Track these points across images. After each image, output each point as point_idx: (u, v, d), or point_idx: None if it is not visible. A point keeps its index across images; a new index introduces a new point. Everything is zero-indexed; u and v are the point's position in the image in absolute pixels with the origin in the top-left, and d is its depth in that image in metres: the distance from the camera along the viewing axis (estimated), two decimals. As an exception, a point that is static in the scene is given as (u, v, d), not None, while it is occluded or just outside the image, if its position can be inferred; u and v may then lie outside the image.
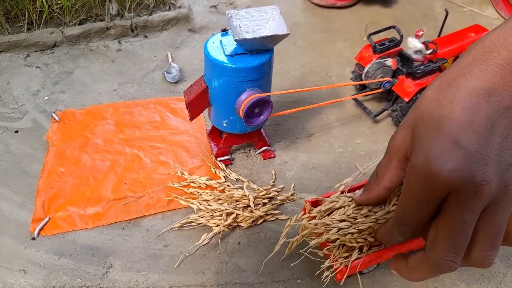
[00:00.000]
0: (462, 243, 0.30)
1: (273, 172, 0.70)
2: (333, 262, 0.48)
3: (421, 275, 0.34)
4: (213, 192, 0.64)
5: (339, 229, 0.46)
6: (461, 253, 0.30)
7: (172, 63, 0.90)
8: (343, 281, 0.50)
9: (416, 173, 0.30)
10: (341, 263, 0.48)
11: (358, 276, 0.54)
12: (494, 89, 0.29)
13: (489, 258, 0.30)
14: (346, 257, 0.49)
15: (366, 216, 0.44)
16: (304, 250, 0.49)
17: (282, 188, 0.68)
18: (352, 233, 0.46)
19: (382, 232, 0.39)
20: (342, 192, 0.48)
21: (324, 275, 0.51)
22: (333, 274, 0.50)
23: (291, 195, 0.66)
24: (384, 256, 0.51)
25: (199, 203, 0.62)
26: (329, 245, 0.49)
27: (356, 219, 0.45)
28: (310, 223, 0.47)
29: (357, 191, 0.43)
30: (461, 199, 0.28)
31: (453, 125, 0.29)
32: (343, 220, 0.46)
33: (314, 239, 0.50)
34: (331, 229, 0.46)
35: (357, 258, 0.49)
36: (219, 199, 0.63)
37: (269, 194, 0.65)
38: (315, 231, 0.48)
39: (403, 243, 0.50)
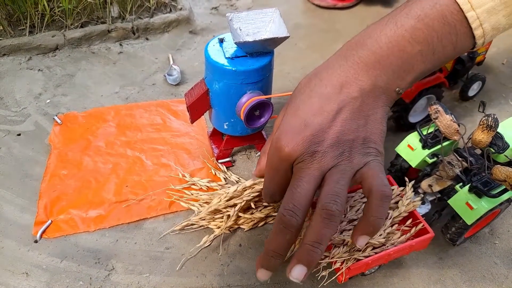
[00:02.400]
0: (299, 196, 0.35)
1: (274, 174, 0.70)
2: (331, 260, 0.49)
3: (275, 236, 0.37)
4: (212, 193, 0.64)
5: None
6: (300, 205, 0.35)
7: (173, 65, 0.91)
8: (344, 281, 0.50)
9: (271, 145, 0.37)
10: (341, 263, 0.48)
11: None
12: (347, 81, 0.36)
13: (334, 200, 0.34)
14: (347, 257, 0.49)
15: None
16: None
17: (283, 190, 0.68)
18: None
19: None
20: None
21: (320, 275, 0.51)
22: (331, 273, 0.50)
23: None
24: (387, 258, 0.51)
25: (199, 205, 0.62)
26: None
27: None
28: None
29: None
30: (299, 165, 0.36)
31: (307, 110, 0.36)
32: None
33: None
34: None
35: (358, 260, 0.49)
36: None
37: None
38: None
39: (405, 245, 0.50)
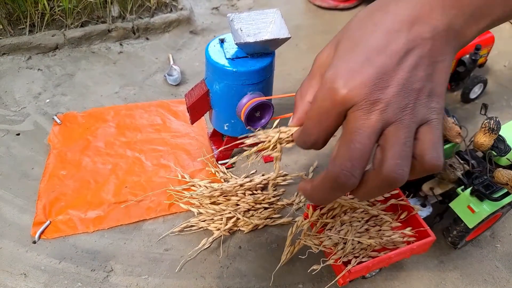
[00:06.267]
0: (359, 153, 0.30)
1: (275, 176, 0.70)
2: (327, 252, 0.48)
3: (322, 193, 0.34)
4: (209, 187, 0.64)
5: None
6: (359, 164, 0.31)
7: (173, 66, 0.90)
8: (344, 284, 0.49)
9: (323, 85, 0.31)
10: (337, 259, 0.48)
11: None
12: (419, 18, 0.30)
13: (401, 169, 0.30)
14: (346, 258, 0.48)
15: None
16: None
17: (284, 191, 0.67)
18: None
19: (294, 135, 0.39)
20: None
21: (314, 268, 0.50)
22: (332, 276, 0.50)
23: (293, 201, 0.66)
24: (387, 261, 0.50)
25: (199, 205, 0.62)
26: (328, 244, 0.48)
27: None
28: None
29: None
30: (357, 113, 0.30)
31: (370, 45, 0.30)
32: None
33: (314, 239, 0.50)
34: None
35: (360, 262, 0.49)
36: (219, 203, 0.62)
37: (269, 199, 0.65)
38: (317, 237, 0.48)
39: (406, 248, 0.50)
